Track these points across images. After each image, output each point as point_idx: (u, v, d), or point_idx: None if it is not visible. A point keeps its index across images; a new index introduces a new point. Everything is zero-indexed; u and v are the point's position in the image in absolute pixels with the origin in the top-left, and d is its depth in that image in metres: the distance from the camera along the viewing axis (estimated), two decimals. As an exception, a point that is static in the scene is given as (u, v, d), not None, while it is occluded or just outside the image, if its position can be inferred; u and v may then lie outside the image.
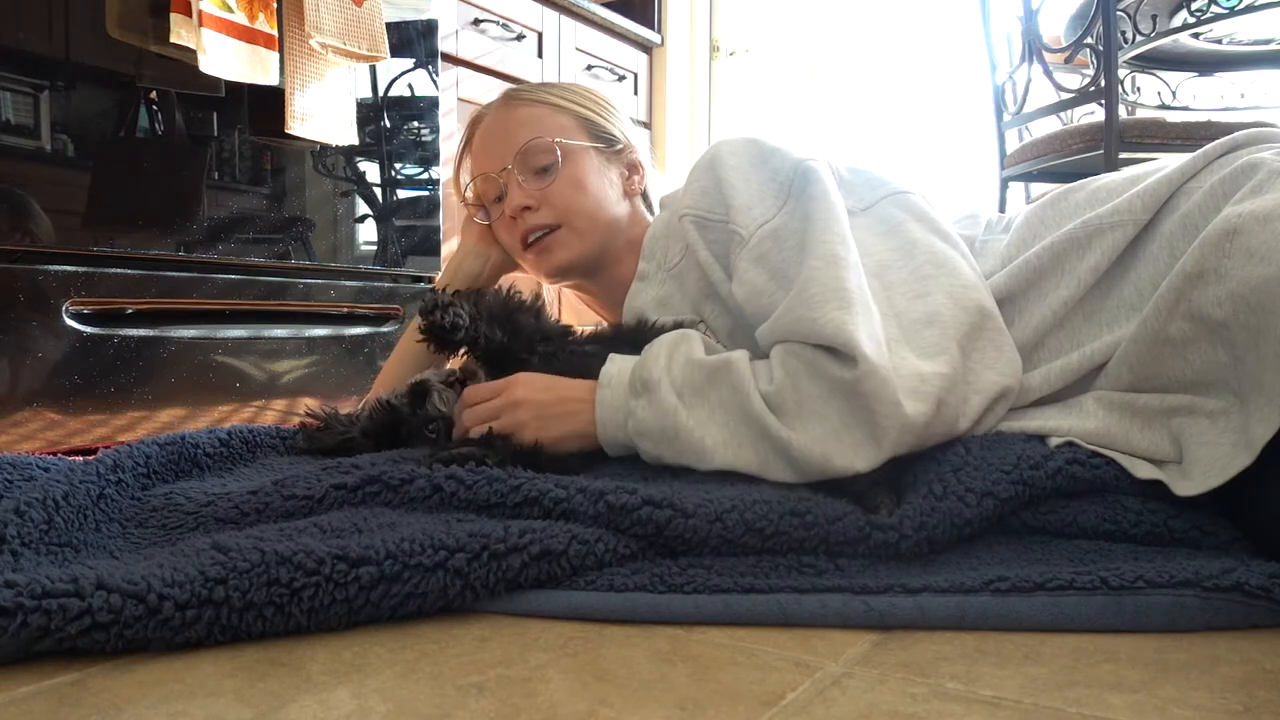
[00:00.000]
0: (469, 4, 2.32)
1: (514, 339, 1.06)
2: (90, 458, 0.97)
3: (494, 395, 1.02)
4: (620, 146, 1.28)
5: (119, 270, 1.52)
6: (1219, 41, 2.28)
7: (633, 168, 1.29)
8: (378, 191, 1.99)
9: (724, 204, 1.06)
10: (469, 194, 1.30)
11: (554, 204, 1.21)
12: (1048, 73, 2.16)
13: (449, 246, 2.21)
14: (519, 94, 1.28)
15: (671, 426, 0.92)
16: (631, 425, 0.95)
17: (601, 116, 1.27)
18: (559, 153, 1.21)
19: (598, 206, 1.23)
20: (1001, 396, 0.92)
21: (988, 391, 0.91)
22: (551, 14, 2.63)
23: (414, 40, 2.04)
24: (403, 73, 2.02)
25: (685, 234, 1.11)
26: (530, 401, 1.00)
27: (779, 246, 1.00)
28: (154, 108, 1.57)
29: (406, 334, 1.36)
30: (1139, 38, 2.01)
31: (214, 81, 1.57)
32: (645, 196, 1.31)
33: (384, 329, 1.98)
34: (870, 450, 0.85)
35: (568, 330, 1.14)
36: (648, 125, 3.17)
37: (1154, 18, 2.01)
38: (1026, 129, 2.36)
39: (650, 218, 1.28)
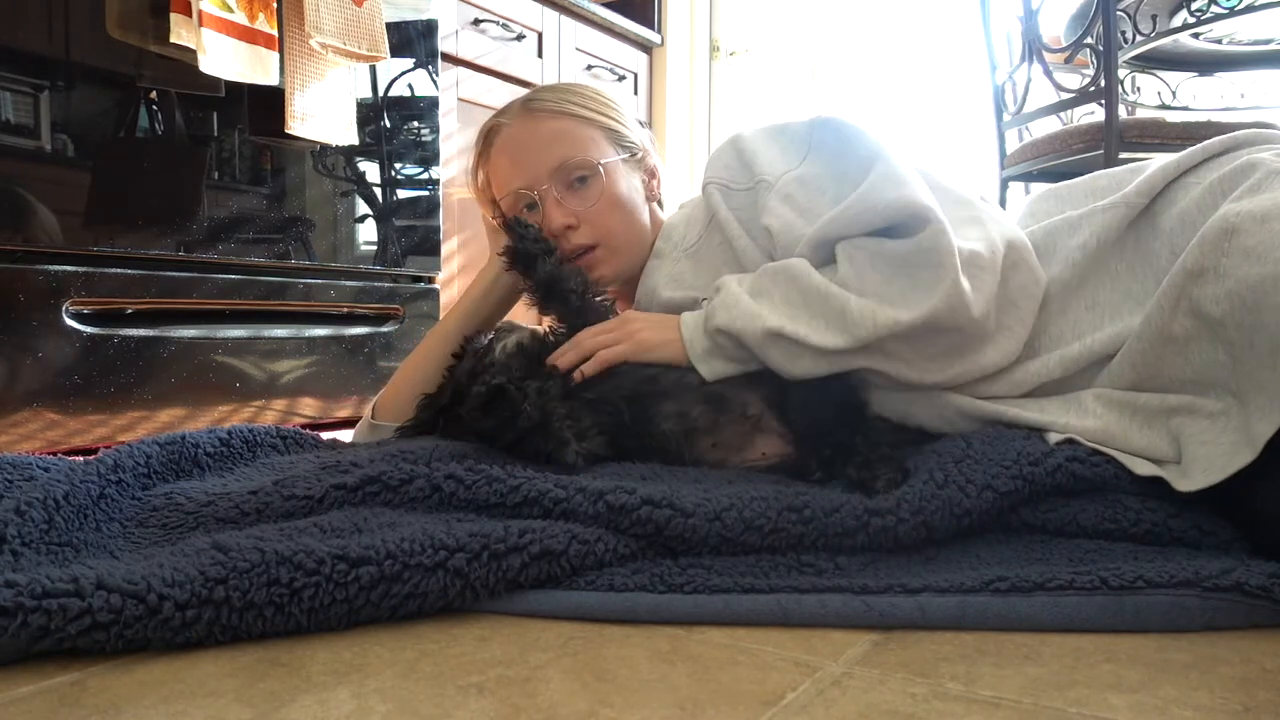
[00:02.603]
0: (469, 4, 2.32)
1: (565, 275, 1.17)
2: (90, 458, 0.97)
3: (610, 330, 1.11)
4: (640, 153, 1.29)
5: (119, 270, 1.52)
6: (1219, 41, 2.28)
7: (651, 173, 1.31)
8: (378, 191, 1.99)
9: (748, 171, 1.13)
10: (503, 204, 1.26)
11: (594, 223, 1.21)
12: (1048, 73, 2.16)
13: (449, 246, 2.21)
14: (541, 104, 1.25)
15: (733, 299, 1.02)
16: (707, 318, 1.05)
17: (621, 124, 1.27)
18: (601, 171, 1.21)
19: (633, 221, 1.25)
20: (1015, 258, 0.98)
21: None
22: (551, 14, 2.63)
23: (414, 40, 2.04)
24: (403, 73, 2.02)
25: (709, 199, 1.16)
26: (642, 325, 1.10)
27: (804, 189, 1.08)
28: (154, 108, 1.57)
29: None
30: (1139, 38, 2.01)
31: (214, 81, 1.57)
32: (660, 200, 1.33)
33: (384, 329, 1.98)
34: (924, 301, 0.92)
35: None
36: (648, 125, 3.16)
37: (1154, 18, 2.01)
38: (1026, 129, 2.36)
39: (664, 217, 1.31)
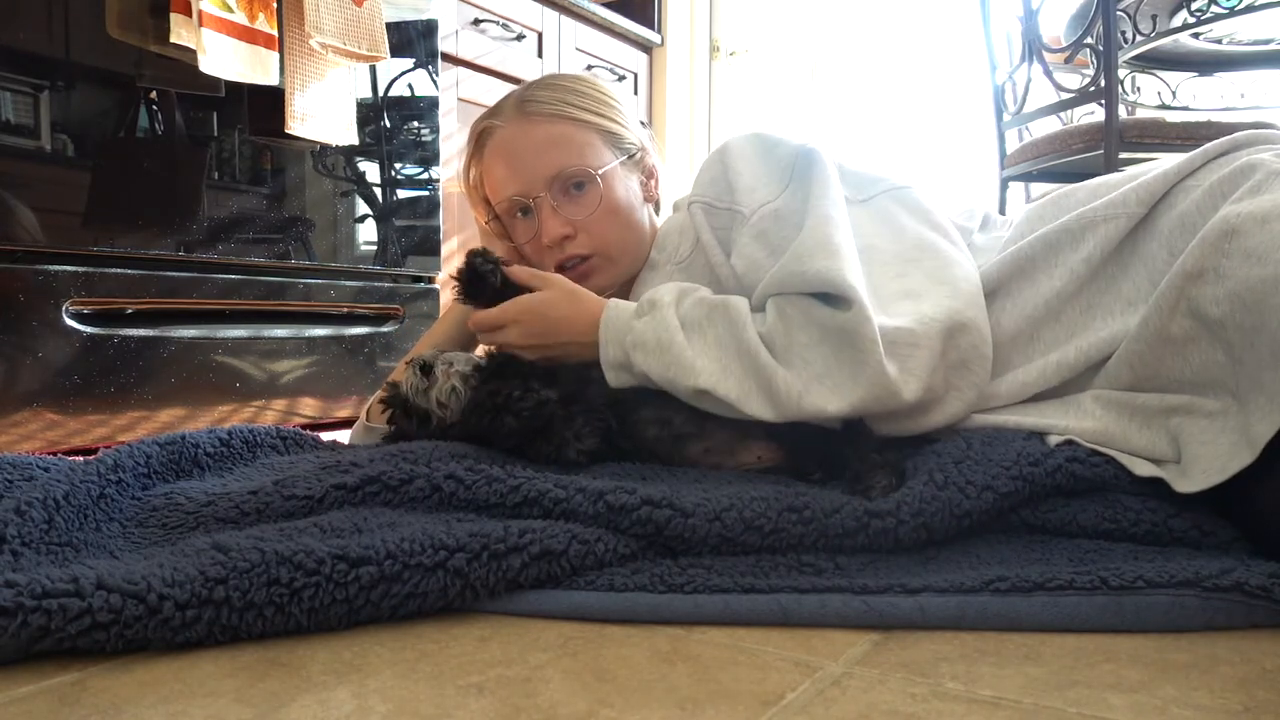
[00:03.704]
0: (469, 4, 2.32)
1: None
2: (90, 458, 0.97)
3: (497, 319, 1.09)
4: (638, 153, 1.25)
5: (119, 270, 1.52)
6: (1219, 41, 2.28)
7: (649, 173, 1.28)
8: (378, 191, 1.99)
9: (729, 190, 1.11)
10: (497, 209, 1.24)
11: (592, 232, 1.19)
12: (1048, 73, 2.16)
13: (449, 246, 2.21)
14: (537, 107, 1.20)
15: (667, 341, 0.98)
16: (630, 339, 1.01)
17: (619, 123, 1.23)
18: (598, 180, 1.18)
19: (630, 228, 1.22)
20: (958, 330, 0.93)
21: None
22: (551, 14, 2.63)
23: (414, 40, 2.04)
24: (403, 73, 2.02)
25: (693, 219, 1.14)
26: (521, 323, 1.07)
27: (779, 225, 1.05)
28: (154, 108, 1.57)
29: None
30: (1139, 38, 2.01)
31: (214, 81, 1.57)
32: (657, 201, 1.31)
33: (384, 329, 1.98)
34: (848, 390, 0.90)
35: None
36: (647, 125, 3.16)
37: (1154, 18, 2.01)
38: (1026, 129, 2.36)
39: (659, 221, 1.29)
